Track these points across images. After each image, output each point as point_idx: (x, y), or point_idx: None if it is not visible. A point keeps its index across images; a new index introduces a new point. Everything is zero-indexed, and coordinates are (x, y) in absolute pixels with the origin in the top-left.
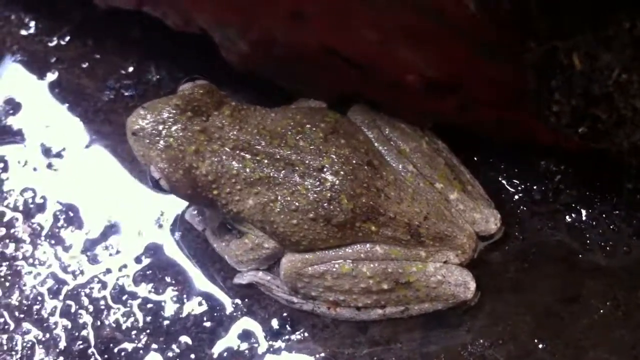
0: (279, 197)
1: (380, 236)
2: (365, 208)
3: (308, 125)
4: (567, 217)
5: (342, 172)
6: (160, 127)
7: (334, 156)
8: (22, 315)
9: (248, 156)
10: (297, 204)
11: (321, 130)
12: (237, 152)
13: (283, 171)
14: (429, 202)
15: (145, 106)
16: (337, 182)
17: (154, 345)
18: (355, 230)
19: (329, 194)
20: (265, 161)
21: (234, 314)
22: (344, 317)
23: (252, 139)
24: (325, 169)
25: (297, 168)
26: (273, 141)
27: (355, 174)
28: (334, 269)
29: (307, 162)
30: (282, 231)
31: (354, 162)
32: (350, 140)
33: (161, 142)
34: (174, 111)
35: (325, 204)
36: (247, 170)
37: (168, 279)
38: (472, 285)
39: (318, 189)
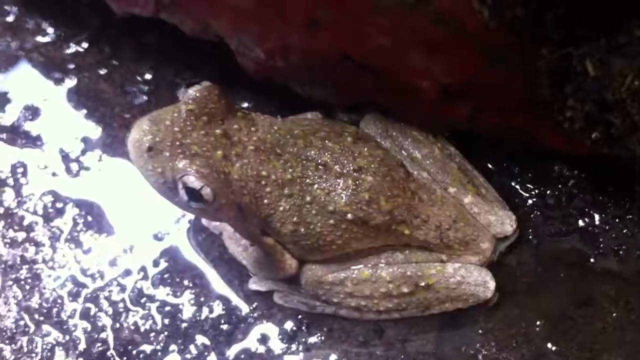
0: (315, 199)
1: (411, 239)
2: (401, 210)
3: (329, 130)
4: (581, 221)
5: (380, 173)
6: (180, 136)
7: (369, 157)
8: (42, 318)
9: (274, 158)
10: (334, 205)
11: (349, 134)
12: (262, 153)
13: (316, 172)
14: (456, 206)
15: (150, 119)
16: (376, 183)
17: (172, 347)
18: (390, 233)
19: (367, 195)
20: (294, 162)
21: (251, 316)
22: (367, 316)
23: (274, 140)
24: (362, 170)
25: (331, 169)
26: (297, 141)
27: (392, 175)
28: (354, 275)
29: (342, 162)
30: (318, 231)
31: (389, 163)
32: (378, 144)
33: (186, 151)
34: (191, 118)
35: (363, 206)
36: (279, 171)
37: (186, 282)
38: (492, 284)
39: (356, 190)
